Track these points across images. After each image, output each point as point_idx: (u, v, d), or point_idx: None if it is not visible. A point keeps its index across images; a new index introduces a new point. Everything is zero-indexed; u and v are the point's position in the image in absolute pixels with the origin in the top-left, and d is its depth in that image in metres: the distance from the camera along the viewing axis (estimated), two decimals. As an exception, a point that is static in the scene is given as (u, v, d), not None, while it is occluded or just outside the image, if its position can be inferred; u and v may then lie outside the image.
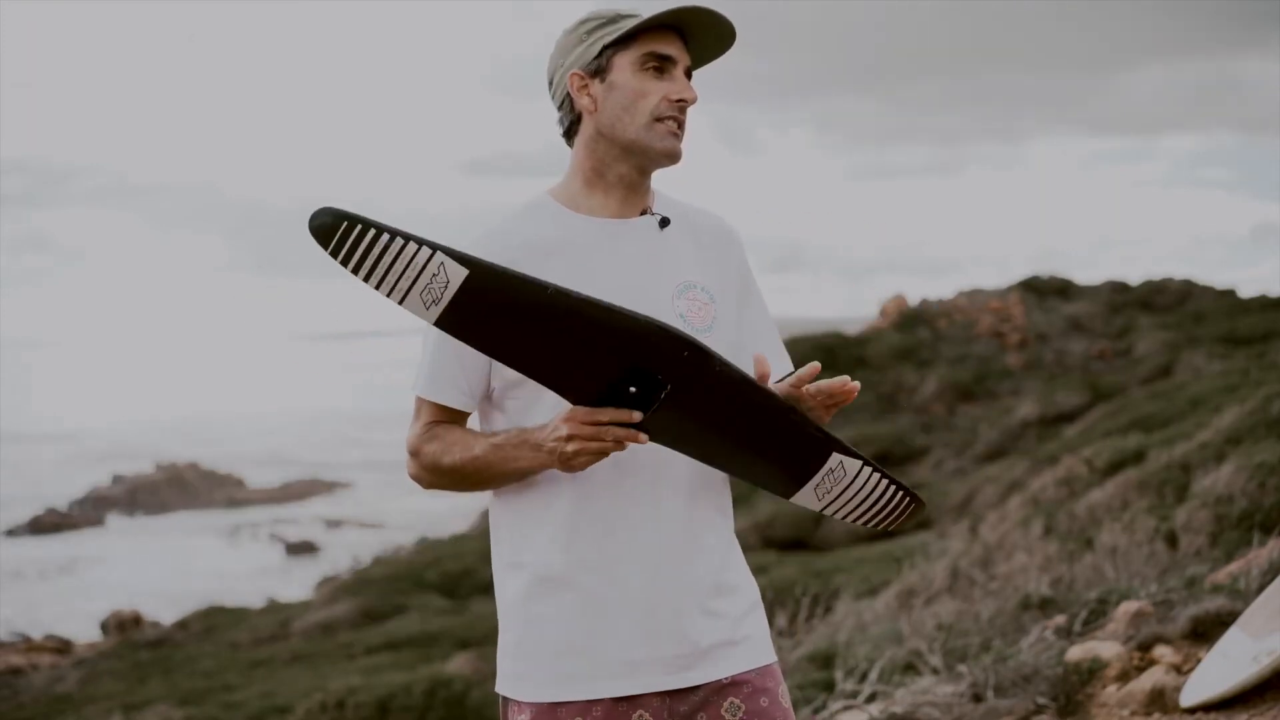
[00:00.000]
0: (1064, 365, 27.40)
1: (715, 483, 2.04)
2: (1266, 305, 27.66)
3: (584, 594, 1.96)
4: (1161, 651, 4.11)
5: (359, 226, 1.68)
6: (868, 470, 1.85)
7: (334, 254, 1.70)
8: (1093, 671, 4.13)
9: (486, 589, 18.53)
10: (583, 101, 2.01)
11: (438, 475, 2.00)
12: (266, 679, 14.54)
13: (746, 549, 2.15)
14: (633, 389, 1.76)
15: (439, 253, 1.69)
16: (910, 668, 5.17)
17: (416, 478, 2.04)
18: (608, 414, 1.79)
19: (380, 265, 1.69)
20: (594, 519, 1.95)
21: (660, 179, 2.07)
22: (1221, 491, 6.46)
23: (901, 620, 6.45)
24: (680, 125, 2.00)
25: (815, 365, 1.92)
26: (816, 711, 4.92)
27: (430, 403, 2.01)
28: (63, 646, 20.35)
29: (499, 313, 1.73)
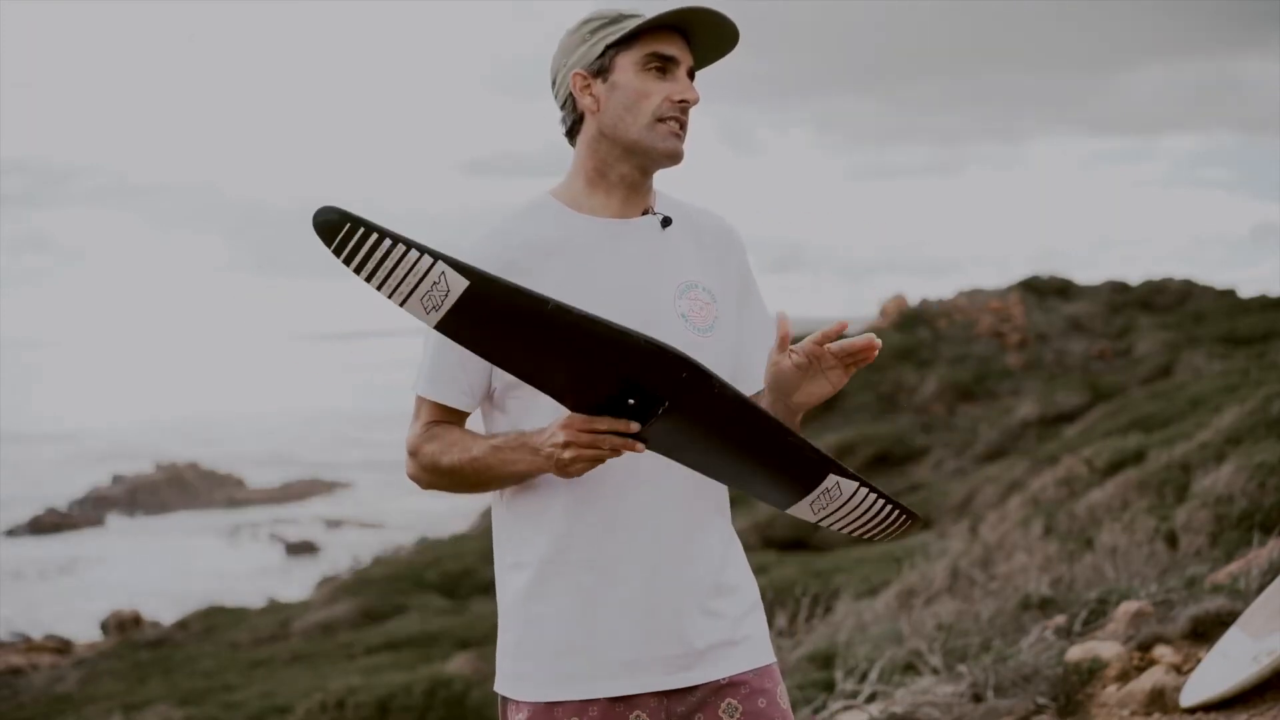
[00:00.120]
0: (1064, 365, 27.40)
1: (714, 483, 2.04)
2: (1266, 305, 27.65)
3: (584, 594, 1.96)
4: (1161, 651, 4.11)
5: (362, 229, 1.66)
6: (864, 490, 1.85)
7: (336, 253, 1.68)
8: (1093, 671, 4.13)
9: (486, 589, 18.53)
10: (585, 101, 2.01)
11: (436, 475, 2.00)
12: (266, 679, 14.54)
13: (746, 549, 2.15)
14: (631, 400, 1.76)
15: (440, 262, 1.67)
16: (910, 668, 5.17)
17: (415, 477, 2.04)
18: (605, 423, 1.78)
19: (382, 268, 1.68)
20: (594, 519, 1.95)
21: (661, 179, 2.07)
22: (1221, 491, 6.46)
23: (901, 620, 6.45)
24: (682, 126, 2.00)
25: (842, 322, 1.93)
26: (816, 711, 4.92)
27: (430, 402, 2.01)
28: (63, 646, 20.35)
29: (498, 321, 1.72)
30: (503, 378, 1.98)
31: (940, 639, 5.26)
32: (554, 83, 2.05)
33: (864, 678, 5.17)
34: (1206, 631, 4.13)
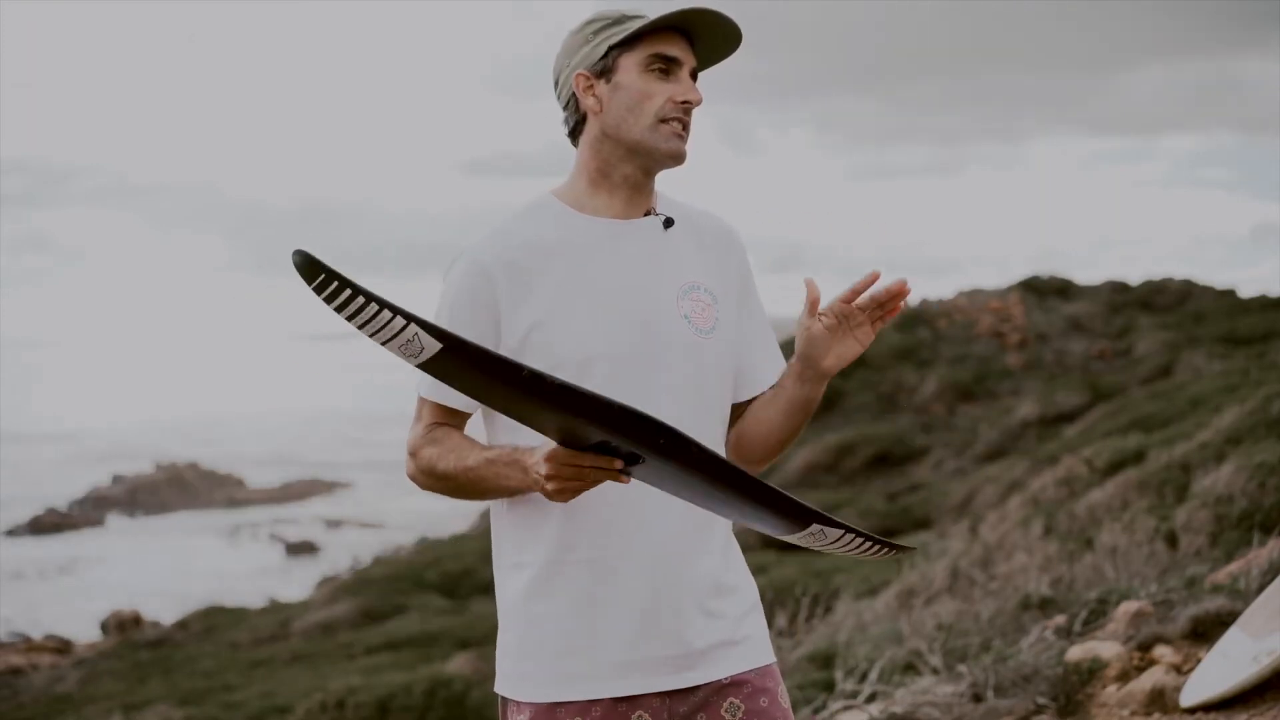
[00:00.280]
0: (1064, 365, 27.40)
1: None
2: (1266, 305, 27.65)
3: (584, 594, 1.97)
4: (1161, 651, 4.11)
5: (335, 283, 1.64)
6: (849, 536, 1.84)
7: (317, 293, 1.66)
8: (1093, 671, 4.13)
9: (486, 589, 18.53)
10: (588, 102, 2.01)
11: (433, 479, 2.00)
12: (266, 679, 14.54)
13: (746, 549, 2.15)
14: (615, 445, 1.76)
15: (412, 324, 1.65)
16: (910, 668, 5.17)
17: (413, 478, 2.05)
18: (590, 459, 1.77)
19: (358, 318, 1.66)
20: (595, 520, 1.96)
21: (662, 180, 2.08)
22: (1221, 491, 6.46)
23: (901, 620, 6.46)
24: (685, 126, 2.00)
25: (875, 272, 1.95)
26: (816, 711, 4.93)
27: (433, 403, 2.02)
28: (63, 646, 20.35)
29: (479, 375, 1.72)
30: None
31: (940, 639, 5.26)
32: (557, 83, 2.05)
33: (864, 678, 5.17)
34: (1206, 631, 4.14)
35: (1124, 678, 4.06)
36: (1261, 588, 4.26)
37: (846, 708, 4.81)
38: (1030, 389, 24.98)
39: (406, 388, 2.03)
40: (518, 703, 2.00)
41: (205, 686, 14.65)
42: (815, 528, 1.81)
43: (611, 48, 1.99)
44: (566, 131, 2.07)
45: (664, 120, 1.99)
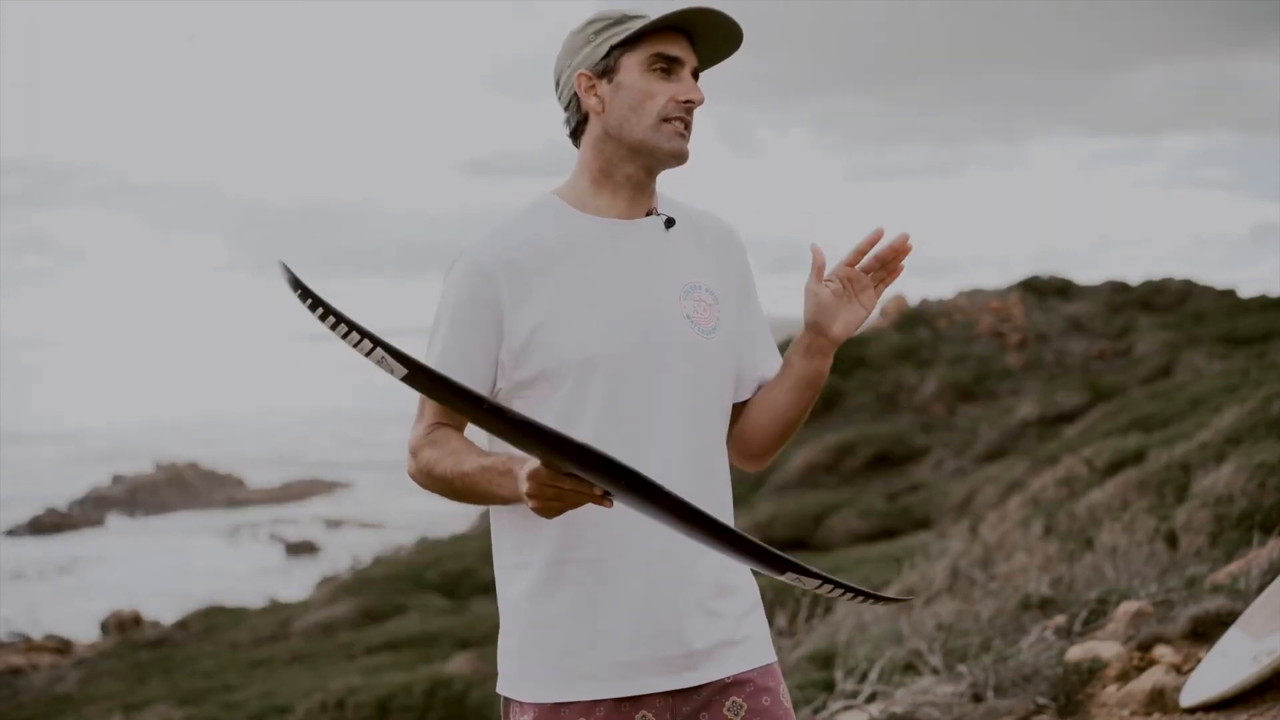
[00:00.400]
0: (1064, 365, 27.41)
1: (716, 483, 2.04)
2: (1266, 305, 27.67)
3: (586, 594, 1.97)
4: (1161, 651, 4.11)
5: (309, 300, 1.67)
6: (827, 586, 1.82)
7: (301, 300, 1.69)
8: (1093, 671, 4.13)
9: (486, 589, 18.53)
10: (590, 102, 2.01)
11: (431, 481, 2.00)
12: (266, 679, 14.55)
13: (747, 549, 2.14)
14: None
15: (379, 348, 1.67)
16: (910, 668, 5.17)
17: (414, 477, 2.05)
18: (569, 483, 1.75)
19: (337, 330, 1.68)
20: (595, 520, 1.95)
21: (662, 180, 2.08)
22: (1221, 491, 6.46)
23: (901, 620, 6.45)
24: (687, 126, 2.01)
25: (879, 229, 1.96)
26: (816, 711, 4.93)
27: (433, 404, 2.02)
28: (63, 646, 20.36)
29: (446, 397, 1.73)
30: (509, 378, 1.98)
31: (940, 639, 5.27)
32: (558, 83, 2.06)
33: (864, 678, 5.17)
34: (1206, 631, 4.14)
35: (1124, 678, 4.06)
36: (1261, 588, 4.26)
37: (846, 708, 4.81)
38: (1030, 389, 24.99)
39: (406, 388, 2.03)
40: (521, 703, 2.00)
41: (205, 686, 14.66)
42: (791, 577, 1.78)
43: (613, 47, 1.99)
44: (568, 132, 2.07)
45: (666, 119, 1.99)
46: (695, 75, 2.03)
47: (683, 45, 2.00)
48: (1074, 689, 4.05)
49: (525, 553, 2.00)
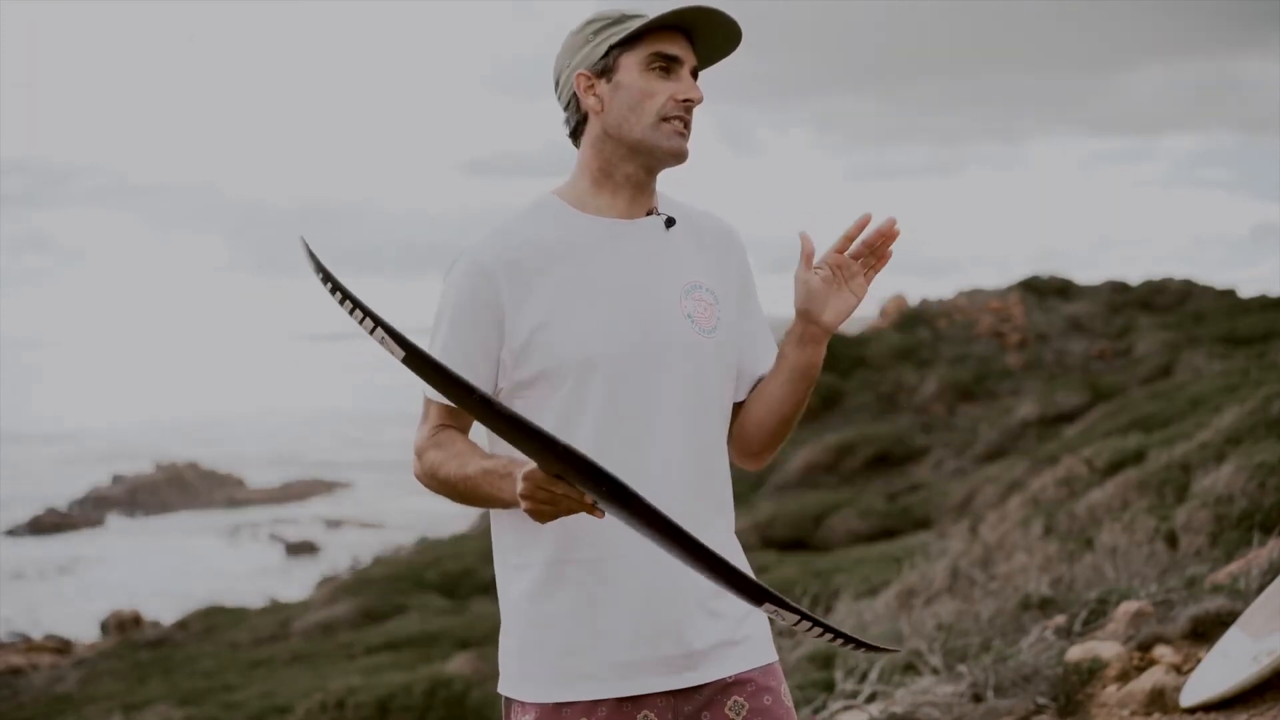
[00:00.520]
0: (1064, 365, 27.41)
1: (716, 483, 2.04)
2: (1266, 305, 27.69)
3: (586, 595, 1.97)
4: (1161, 651, 4.11)
5: (320, 274, 1.74)
6: (806, 623, 1.80)
7: (316, 273, 1.76)
8: (1093, 671, 4.13)
9: (486, 589, 18.53)
10: (589, 101, 2.01)
11: (436, 483, 2.01)
12: (266, 679, 14.54)
13: (746, 549, 2.15)
14: None
15: (379, 328, 1.70)
16: (910, 668, 5.17)
17: (419, 479, 2.05)
18: (562, 488, 1.75)
19: (344, 306, 1.73)
20: (595, 520, 1.95)
21: (662, 179, 2.08)
22: (1221, 491, 6.46)
23: (901, 620, 6.46)
24: (686, 125, 2.00)
25: (866, 215, 1.96)
26: (816, 711, 4.93)
27: (438, 404, 2.02)
28: (63, 646, 20.36)
29: (440, 383, 1.74)
30: (511, 378, 1.98)
31: (940, 639, 5.26)
32: (557, 83, 2.06)
33: (864, 678, 5.17)
34: (1206, 631, 4.14)
35: (1124, 678, 4.06)
36: (1261, 588, 4.26)
37: (846, 708, 4.81)
38: (1030, 389, 25.00)
39: (406, 388, 2.03)
40: (522, 703, 2.00)
41: (205, 686, 14.66)
42: (770, 610, 1.75)
43: (612, 47, 1.99)
44: (568, 132, 2.07)
45: (665, 119, 1.99)
46: (694, 74, 2.02)
47: (682, 44, 2.00)
48: (1074, 689, 4.05)
49: (525, 553, 2.00)
